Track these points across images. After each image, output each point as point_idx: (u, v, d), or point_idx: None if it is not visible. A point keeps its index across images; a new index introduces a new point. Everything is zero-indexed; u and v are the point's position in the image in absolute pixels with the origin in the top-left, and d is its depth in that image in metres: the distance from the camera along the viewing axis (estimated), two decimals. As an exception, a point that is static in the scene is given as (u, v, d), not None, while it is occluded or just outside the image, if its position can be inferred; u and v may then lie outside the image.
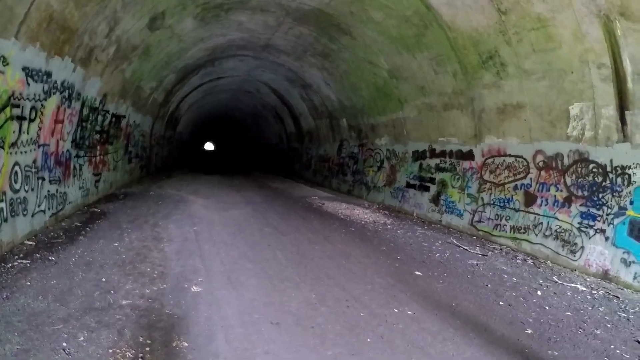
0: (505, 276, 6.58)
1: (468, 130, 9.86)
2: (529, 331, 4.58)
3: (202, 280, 5.39)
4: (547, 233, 7.73)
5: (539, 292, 5.90)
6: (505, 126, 8.71)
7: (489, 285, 6.07)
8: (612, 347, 4.34)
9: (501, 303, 5.39)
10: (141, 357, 3.40)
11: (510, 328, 4.63)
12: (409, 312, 4.86)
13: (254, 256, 6.70)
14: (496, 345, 4.17)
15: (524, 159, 8.35)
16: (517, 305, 5.34)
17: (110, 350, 3.45)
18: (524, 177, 8.34)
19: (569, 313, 5.21)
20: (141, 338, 3.71)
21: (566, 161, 7.47)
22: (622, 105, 6.39)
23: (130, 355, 3.41)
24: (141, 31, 9.45)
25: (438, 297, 5.48)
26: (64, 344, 3.48)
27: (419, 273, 6.47)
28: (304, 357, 3.69)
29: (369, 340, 4.09)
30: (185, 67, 14.78)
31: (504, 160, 8.88)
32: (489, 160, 9.30)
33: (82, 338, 3.60)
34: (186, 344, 3.68)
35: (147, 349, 3.55)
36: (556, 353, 4.10)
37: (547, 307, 5.35)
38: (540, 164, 7.98)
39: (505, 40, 7.71)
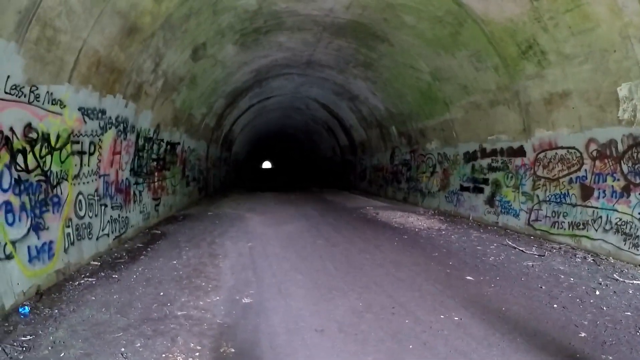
0: (562, 276, 6.24)
1: (516, 125, 9.50)
2: (583, 334, 4.30)
3: (253, 292, 5.58)
4: (607, 227, 7.23)
5: (597, 292, 5.53)
6: (553, 117, 8.32)
7: (543, 287, 5.78)
8: (676, 349, 3.96)
9: (555, 305, 5.11)
10: (190, 361, 3.66)
11: (562, 332, 4.37)
12: (455, 318, 4.73)
13: (305, 268, 6.81)
14: (545, 350, 3.95)
15: (577, 149, 7.91)
16: (571, 307, 5.04)
17: (164, 355, 3.74)
18: (579, 169, 7.90)
19: (629, 313, 4.85)
20: (192, 344, 3.98)
21: (620, 147, 6.98)
22: (674, 80, 5.93)
23: (181, 359, 3.68)
24: (185, 63, 9.97)
25: (487, 301, 5.28)
26: (122, 349, 3.82)
27: (470, 278, 6.27)
28: (343, 361, 3.73)
29: (410, 346, 4.04)
30: (232, 91, 15.34)
31: (556, 154, 8.46)
32: (541, 155, 8.90)
33: (138, 344, 3.93)
34: (233, 350, 3.91)
35: (197, 353, 3.80)
36: (610, 358, 3.82)
37: (604, 308, 5.00)
38: (594, 153, 7.53)
39: (541, 27, 7.41)
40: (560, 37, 7.26)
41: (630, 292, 5.55)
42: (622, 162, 6.99)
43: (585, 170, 7.75)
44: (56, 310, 4.66)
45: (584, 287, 5.76)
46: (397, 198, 17.39)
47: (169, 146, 11.73)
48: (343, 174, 25.88)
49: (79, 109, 6.24)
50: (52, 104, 5.46)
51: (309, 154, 35.75)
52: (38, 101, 5.12)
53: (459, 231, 9.99)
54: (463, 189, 12.21)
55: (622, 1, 5.97)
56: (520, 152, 9.56)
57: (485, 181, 11.05)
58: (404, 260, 7.31)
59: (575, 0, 6.55)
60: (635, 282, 5.89)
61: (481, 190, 11.27)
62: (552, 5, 6.95)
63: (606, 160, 7.30)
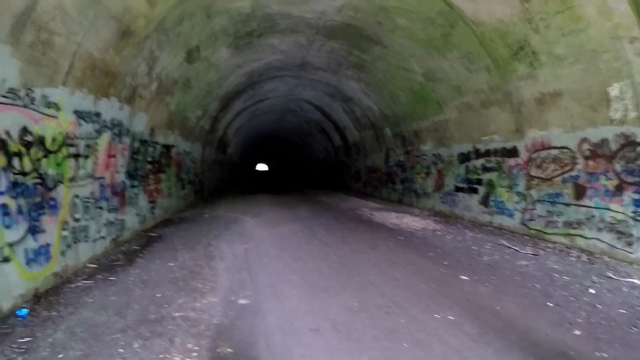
0: (556, 275, 6.28)
1: (509, 125, 9.56)
2: (577, 332, 4.33)
3: (249, 293, 5.58)
4: (601, 226, 7.28)
5: (591, 290, 5.58)
6: (546, 117, 8.38)
7: (538, 286, 5.81)
8: (670, 345, 4.00)
9: (549, 304, 5.15)
10: (188, 361, 3.66)
11: (557, 329, 4.41)
12: (450, 317, 4.74)
13: (299, 268, 6.81)
14: (539, 347, 3.98)
15: (569, 149, 7.97)
16: (566, 305, 5.08)
17: (161, 356, 3.74)
18: (572, 169, 7.95)
19: (623, 311, 4.89)
20: (189, 345, 3.98)
21: (613, 146, 7.04)
22: (664, 79, 6.00)
23: (179, 359, 3.69)
24: (179, 66, 9.97)
25: (482, 300, 5.31)
26: (120, 350, 3.83)
27: (465, 277, 6.30)
28: (338, 360, 3.74)
29: (405, 345, 4.04)
30: (226, 93, 15.34)
31: (549, 153, 8.52)
32: (534, 155, 8.95)
33: (136, 345, 3.94)
34: (229, 350, 3.92)
35: (194, 354, 3.81)
36: (605, 355, 3.84)
37: (599, 306, 5.05)
38: (587, 152, 7.58)
39: (532, 28, 7.49)
40: (551, 38, 7.33)
41: (625, 289, 5.60)
42: (614, 161, 7.05)
43: (579, 169, 7.80)
44: (54, 313, 4.66)
45: (578, 286, 5.80)
46: (392, 199, 17.42)
47: (164, 149, 11.70)
48: (337, 175, 25.91)
49: (74, 112, 6.22)
50: (47, 107, 5.44)
51: (302, 155, 35.79)
52: (33, 104, 5.10)
53: (454, 231, 10.04)
54: (457, 189, 12.26)
55: (612, 3, 6.04)
56: (514, 152, 9.62)
57: (480, 182, 11.11)
58: (399, 260, 7.32)
59: (566, 1, 6.63)
60: (629, 279, 5.95)
61: (475, 191, 11.32)
62: (543, 6, 7.03)
63: (599, 160, 7.35)
